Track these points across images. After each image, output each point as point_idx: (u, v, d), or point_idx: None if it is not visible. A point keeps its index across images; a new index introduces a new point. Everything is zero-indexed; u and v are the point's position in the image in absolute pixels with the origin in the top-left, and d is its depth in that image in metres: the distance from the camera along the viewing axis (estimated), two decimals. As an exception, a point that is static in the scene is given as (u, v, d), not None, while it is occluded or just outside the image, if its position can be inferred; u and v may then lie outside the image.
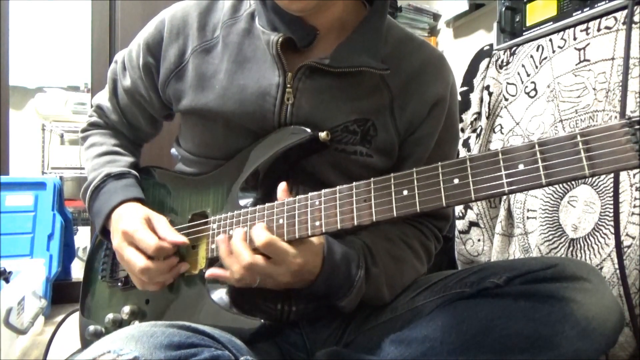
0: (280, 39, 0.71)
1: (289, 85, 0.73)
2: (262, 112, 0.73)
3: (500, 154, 0.50)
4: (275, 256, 0.63)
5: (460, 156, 0.88)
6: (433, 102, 0.77)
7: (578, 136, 0.46)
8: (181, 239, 0.73)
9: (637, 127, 0.43)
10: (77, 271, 2.09)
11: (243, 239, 0.65)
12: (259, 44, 0.75)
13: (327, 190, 0.62)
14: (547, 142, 0.47)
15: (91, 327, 0.82)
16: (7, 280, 1.32)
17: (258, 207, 0.68)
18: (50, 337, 1.02)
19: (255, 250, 0.64)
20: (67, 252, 1.96)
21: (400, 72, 0.77)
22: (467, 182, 0.51)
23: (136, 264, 0.72)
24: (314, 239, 0.65)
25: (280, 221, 0.64)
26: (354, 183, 0.59)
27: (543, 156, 0.47)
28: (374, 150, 0.76)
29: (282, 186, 0.67)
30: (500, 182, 0.49)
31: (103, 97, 0.92)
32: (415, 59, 0.78)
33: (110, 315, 0.80)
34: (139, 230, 0.73)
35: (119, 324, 0.80)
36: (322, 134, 0.71)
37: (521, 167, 0.48)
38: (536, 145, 0.48)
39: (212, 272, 0.68)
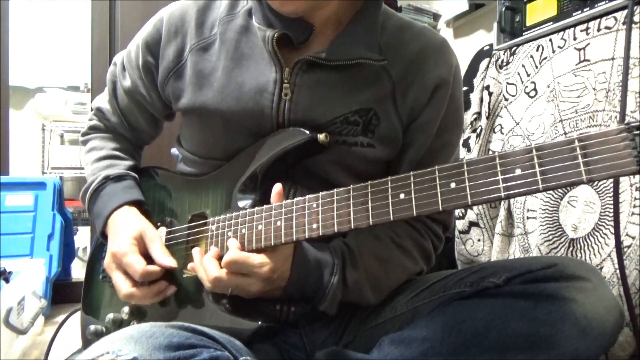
0: (275, 35, 0.71)
1: (286, 81, 0.73)
2: (260, 108, 0.73)
3: (497, 159, 0.49)
4: (241, 270, 0.65)
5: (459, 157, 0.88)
6: (434, 85, 0.76)
7: (576, 141, 0.45)
8: (170, 262, 0.74)
9: (636, 132, 0.42)
10: (77, 271, 2.08)
11: (213, 256, 0.68)
12: (256, 41, 0.75)
13: (324, 192, 0.62)
14: (544, 147, 0.47)
15: (92, 327, 0.82)
16: (7, 280, 1.32)
17: (256, 208, 0.68)
18: (51, 337, 1.02)
19: None
20: (67, 252, 1.95)
21: (400, 59, 0.76)
22: (464, 187, 0.51)
23: (121, 290, 0.75)
24: (285, 245, 0.66)
25: (278, 223, 0.64)
26: (352, 186, 0.59)
27: (540, 161, 0.47)
28: (376, 140, 0.75)
29: (276, 189, 0.67)
30: (496, 186, 0.49)
31: (103, 100, 0.92)
32: (414, 45, 0.77)
33: (110, 315, 0.81)
34: (128, 255, 0.74)
35: (119, 323, 0.81)
36: (321, 136, 0.70)
37: (518, 171, 0.48)
38: (533, 150, 0.47)
39: (192, 265, 0.70)
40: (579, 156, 0.45)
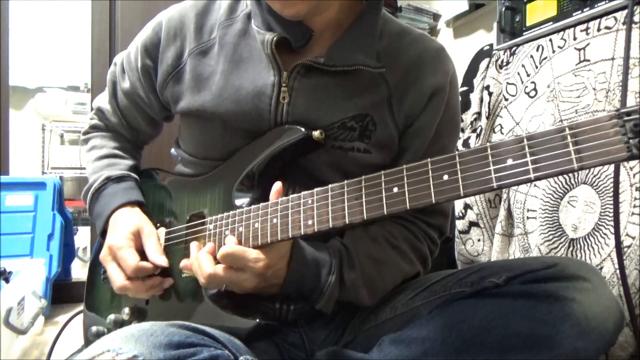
0: (275, 38, 0.71)
1: (284, 85, 0.73)
2: (258, 112, 0.73)
3: (488, 149, 0.49)
4: (236, 264, 0.65)
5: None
6: (431, 92, 0.76)
7: (566, 129, 0.45)
8: (161, 261, 0.75)
9: (626, 118, 0.42)
10: (77, 271, 2.08)
11: (208, 252, 0.68)
12: (255, 45, 0.75)
13: (319, 189, 0.62)
14: (535, 136, 0.47)
15: (94, 328, 0.83)
16: (7, 280, 1.32)
17: (252, 207, 0.68)
18: (54, 339, 1.02)
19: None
20: (67, 252, 1.95)
21: (397, 66, 0.76)
22: (456, 178, 0.51)
23: (115, 282, 0.75)
24: (282, 242, 0.66)
25: (274, 220, 0.64)
26: (346, 181, 0.59)
27: (531, 150, 0.47)
28: (372, 146, 0.75)
29: (275, 187, 0.67)
30: (488, 177, 0.49)
31: (103, 100, 0.93)
32: (412, 51, 0.78)
33: (111, 316, 0.81)
34: (123, 248, 0.75)
35: (119, 324, 0.81)
36: (316, 133, 0.71)
37: (510, 161, 0.48)
38: (524, 140, 0.47)
39: (185, 263, 0.71)
40: (570, 144, 0.45)
